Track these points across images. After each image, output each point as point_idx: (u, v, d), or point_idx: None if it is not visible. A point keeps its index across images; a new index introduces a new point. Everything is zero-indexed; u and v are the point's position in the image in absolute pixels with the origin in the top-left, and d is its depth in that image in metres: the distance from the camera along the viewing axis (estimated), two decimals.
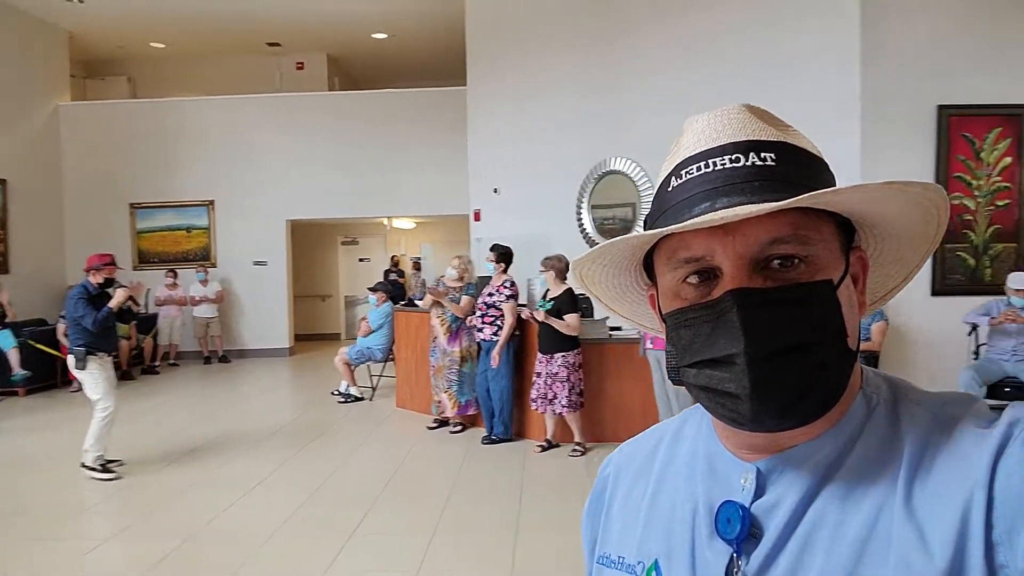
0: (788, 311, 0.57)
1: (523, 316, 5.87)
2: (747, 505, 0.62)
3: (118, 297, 5.22)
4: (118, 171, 11.24)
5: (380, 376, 8.04)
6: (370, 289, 8.31)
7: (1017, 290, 5.20)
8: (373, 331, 7.92)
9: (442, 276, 6.59)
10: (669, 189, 0.64)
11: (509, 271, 6.00)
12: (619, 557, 0.71)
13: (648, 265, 0.68)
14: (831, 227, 0.61)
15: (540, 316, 5.46)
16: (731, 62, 6.94)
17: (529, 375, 6.03)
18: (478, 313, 5.96)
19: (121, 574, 3.68)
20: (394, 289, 10.04)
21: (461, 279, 6.31)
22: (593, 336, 5.76)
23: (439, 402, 6.39)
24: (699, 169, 0.61)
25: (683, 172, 0.63)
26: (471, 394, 6.24)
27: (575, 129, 8.30)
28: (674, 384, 0.97)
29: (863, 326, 3.79)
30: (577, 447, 5.55)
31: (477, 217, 9.46)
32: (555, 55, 8.48)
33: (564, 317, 5.40)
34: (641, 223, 8.17)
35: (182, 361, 10.88)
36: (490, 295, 5.91)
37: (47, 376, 8.79)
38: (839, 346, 0.59)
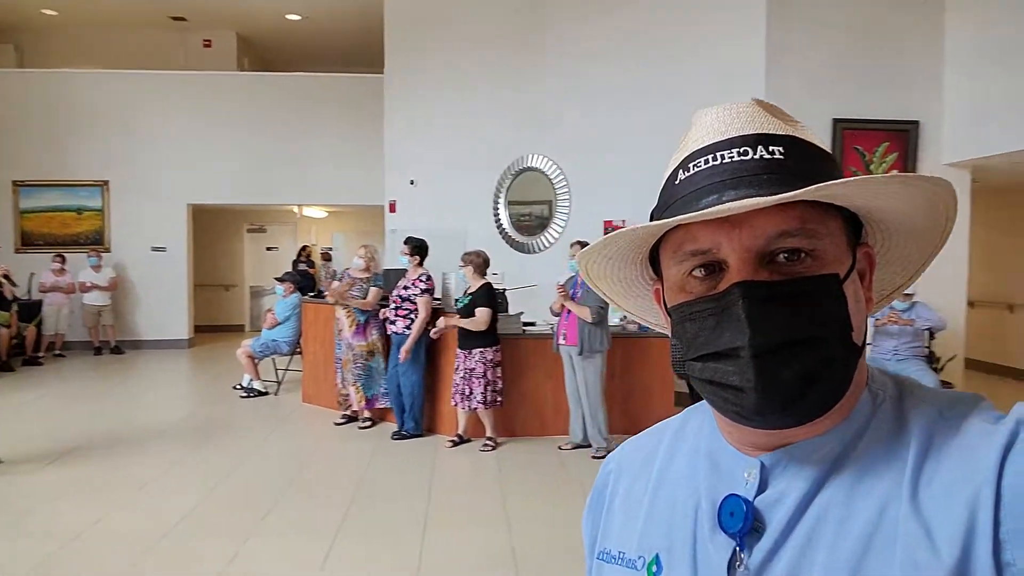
0: (794, 305, 0.57)
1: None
2: (750, 499, 0.61)
3: None
4: (0, 145, 10.38)
5: (286, 370, 7.78)
6: (277, 279, 8.01)
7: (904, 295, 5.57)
8: (279, 323, 7.65)
9: (348, 268, 6.46)
10: (676, 182, 0.63)
11: (425, 264, 5.92)
12: (619, 552, 0.71)
13: (654, 260, 0.68)
14: (838, 222, 0.61)
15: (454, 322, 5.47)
16: (648, 66, 7.11)
17: (442, 370, 5.98)
18: (392, 306, 5.85)
19: None
20: (303, 280, 9.74)
21: (368, 269, 6.19)
22: (507, 331, 5.76)
23: (346, 396, 6.24)
24: (707, 162, 0.61)
25: (691, 165, 0.62)
26: (378, 388, 6.13)
27: (494, 124, 8.29)
28: (679, 378, 0.96)
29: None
30: (488, 442, 5.55)
31: (393, 209, 9.30)
32: (477, 47, 8.43)
33: (476, 311, 5.38)
34: (556, 221, 8.29)
35: (70, 352, 10.16)
36: (405, 288, 5.82)
37: None
38: (845, 341, 0.59)
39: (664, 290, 0.66)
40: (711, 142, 0.62)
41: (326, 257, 12.88)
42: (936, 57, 6.13)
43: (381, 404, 6.16)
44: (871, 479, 0.58)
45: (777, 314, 0.57)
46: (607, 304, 5.21)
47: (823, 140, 0.64)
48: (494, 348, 5.49)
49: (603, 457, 5.27)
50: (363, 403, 6.13)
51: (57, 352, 9.99)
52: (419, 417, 5.86)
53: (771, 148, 0.60)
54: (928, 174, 0.58)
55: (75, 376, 8.79)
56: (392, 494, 4.62)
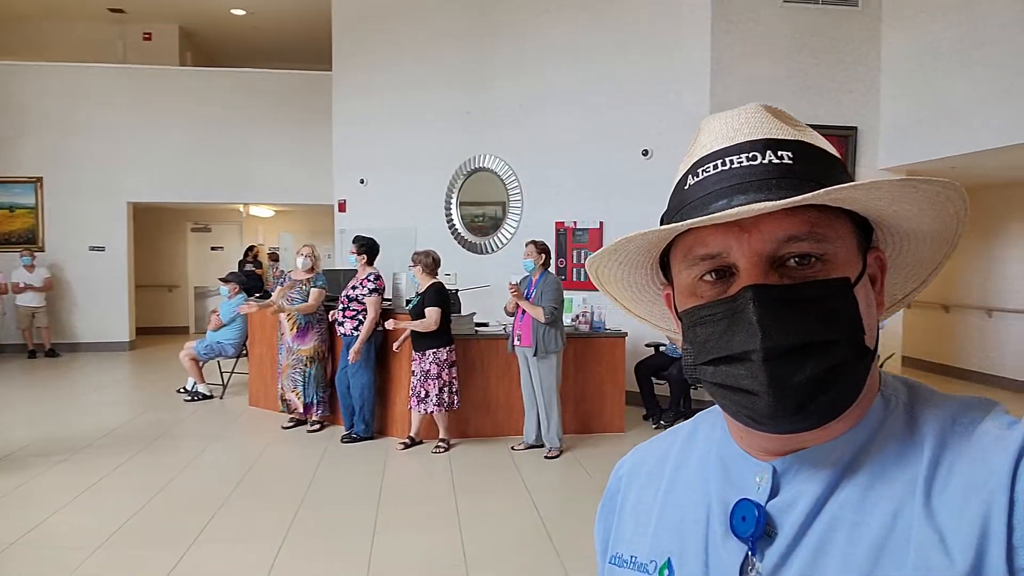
0: (805, 308, 0.57)
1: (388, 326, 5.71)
2: (762, 504, 0.61)
3: None
4: None
5: (232, 373, 7.58)
6: (222, 280, 7.80)
7: None
8: (224, 325, 7.45)
9: (289, 271, 6.35)
10: (686, 187, 0.64)
11: (376, 264, 5.85)
12: (631, 556, 0.71)
13: (664, 265, 0.68)
14: (848, 226, 0.61)
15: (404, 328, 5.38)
16: (596, 71, 7.17)
17: (393, 371, 5.92)
18: (340, 307, 5.76)
19: None
20: (249, 280, 9.51)
21: (312, 269, 6.10)
22: (460, 332, 5.73)
23: (288, 401, 6.13)
24: (716, 167, 0.62)
25: (700, 170, 0.63)
26: (318, 395, 6.03)
27: (446, 124, 8.25)
28: (689, 383, 0.95)
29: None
30: (441, 443, 5.51)
31: (343, 208, 9.18)
32: (427, 46, 8.37)
33: (425, 311, 5.33)
34: (509, 221, 8.29)
35: (2, 356, 9.74)
36: (353, 288, 5.73)
37: None
38: (856, 345, 0.59)
39: (675, 294, 0.66)
40: (720, 147, 0.62)
41: (273, 257, 12.62)
42: (873, 65, 6.36)
43: (320, 412, 6.06)
44: (884, 484, 0.58)
45: (788, 317, 0.57)
46: (560, 304, 5.26)
47: (830, 145, 0.65)
48: (448, 348, 5.45)
49: (556, 457, 5.31)
50: (302, 409, 6.03)
51: None
52: (370, 419, 5.78)
53: (780, 153, 0.61)
54: (939, 178, 0.58)
55: (8, 380, 8.40)
56: (341, 498, 4.54)
